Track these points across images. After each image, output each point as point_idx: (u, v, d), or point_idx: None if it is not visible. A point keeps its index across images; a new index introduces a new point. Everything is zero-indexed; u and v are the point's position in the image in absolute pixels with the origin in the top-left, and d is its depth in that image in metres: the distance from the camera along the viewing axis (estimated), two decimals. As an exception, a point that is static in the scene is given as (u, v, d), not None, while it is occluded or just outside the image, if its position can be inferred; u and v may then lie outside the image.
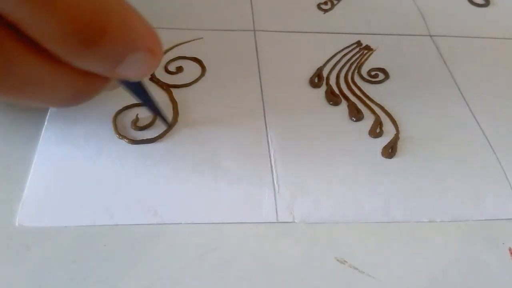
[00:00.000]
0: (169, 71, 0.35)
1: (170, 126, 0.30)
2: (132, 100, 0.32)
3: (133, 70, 0.19)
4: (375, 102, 0.35)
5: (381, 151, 0.31)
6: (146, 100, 0.26)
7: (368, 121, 0.33)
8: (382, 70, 0.37)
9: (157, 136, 0.30)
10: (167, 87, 0.33)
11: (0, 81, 0.17)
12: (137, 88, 0.24)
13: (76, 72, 0.18)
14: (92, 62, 0.17)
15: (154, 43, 0.19)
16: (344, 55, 0.39)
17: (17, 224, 0.25)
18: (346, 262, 0.26)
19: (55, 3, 0.15)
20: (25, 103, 0.19)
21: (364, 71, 0.37)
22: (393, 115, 0.34)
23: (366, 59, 0.39)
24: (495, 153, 0.32)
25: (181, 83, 0.34)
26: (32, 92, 0.18)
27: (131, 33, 0.17)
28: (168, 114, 0.31)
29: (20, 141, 0.29)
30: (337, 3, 0.44)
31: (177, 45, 0.37)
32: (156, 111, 0.28)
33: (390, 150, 0.31)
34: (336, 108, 0.34)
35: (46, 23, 0.15)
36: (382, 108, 0.34)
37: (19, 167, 0.28)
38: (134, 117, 0.31)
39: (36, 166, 0.28)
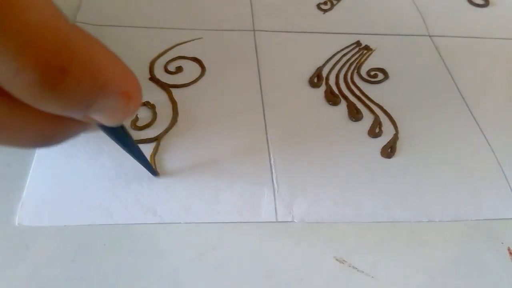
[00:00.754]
0: (169, 71, 0.35)
1: (157, 175, 0.28)
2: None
3: (106, 115, 0.17)
4: (375, 102, 0.35)
5: (380, 151, 0.31)
6: (126, 146, 0.24)
7: (367, 121, 0.33)
8: (382, 70, 0.37)
9: (156, 136, 0.30)
10: (166, 87, 0.33)
11: None
12: (116, 133, 0.21)
13: (42, 116, 0.16)
14: (55, 106, 0.15)
15: (129, 85, 0.17)
16: (344, 55, 0.39)
17: (16, 223, 0.25)
18: (345, 261, 0.26)
19: (9, 39, 0.13)
20: None
21: (363, 71, 0.37)
22: (392, 115, 0.34)
23: (365, 59, 0.39)
24: (494, 153, 0.32)
25: (181, 83, 0.34)
26: None
27: (98, 74, 0.15)
28: (168, 113, 0.31)
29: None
30: (336, 3, 0.44)
31: (176, 45, 0.37)
32: (141, 159, 0.26)
33: (389, 150, 0.31)
34: (335, 108, 0.34)
35: (0, 63, 0.13)
36: (381, 108, 0.34)
37: (18, 166, 0.28)
38: (133, 117, 0.31)
39: (36, 166, 0.28)
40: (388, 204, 0.29)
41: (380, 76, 0.37)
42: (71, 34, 0.15)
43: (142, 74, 0.34)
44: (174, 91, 0.33)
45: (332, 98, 0.34)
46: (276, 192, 0.28)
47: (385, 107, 0.34)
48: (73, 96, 0.15)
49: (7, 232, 0.25)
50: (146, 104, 0.32)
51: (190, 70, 0.35)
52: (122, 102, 0.16)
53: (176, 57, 0.36)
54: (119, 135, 0.22)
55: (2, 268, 0.24)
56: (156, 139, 0.30)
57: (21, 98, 0.15)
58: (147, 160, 0.27)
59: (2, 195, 0.26)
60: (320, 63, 0.37)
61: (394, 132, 0.33)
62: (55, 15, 0.14)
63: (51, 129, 0.17)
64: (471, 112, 0.35)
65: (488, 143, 0.33)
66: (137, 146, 0.24)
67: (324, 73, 0.37)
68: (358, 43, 0.40)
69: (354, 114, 0.33)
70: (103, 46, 0.16)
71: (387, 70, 0.37)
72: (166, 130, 0.30)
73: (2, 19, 0.13)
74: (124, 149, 0.23)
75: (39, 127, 0.17)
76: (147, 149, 0.29)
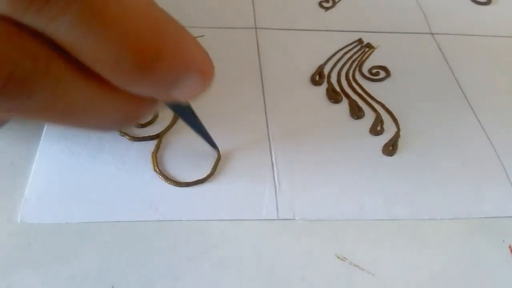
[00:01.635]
0: (171, 68, 0.35)
1: (219, 155, 0.29)
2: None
3: (185, 93, 0.18)
4: (376, 100, 0.35)
5: (381, 148, 0.31)
6: (193, 123, 0.25)
7: (369, 119, 0.33)
8: (383, 68, 0.37)
9: (158, 133, 0.30)
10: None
11: (47, 106, 0.16)
12: (186, 111, 0.23)
13: (126, 97, 0.17)
14: (145, 87, 0.16)
15: (206, 65, 0.18)
16: (345, 53, 0.39)
17: (19, 220, 0.25)
18: (347, 259, 0.26)
19: (108, 27, 0.14)
20: (70, 127, 0.18)
21: (365, 69, 0.37)
22: (394, 113, 0.34)
23: (367, 57, 0.39)
24: (495, 151, 0.32)
25: (183, 81, 0.34)
26: (80, 118, 0.17)
27: (185, 56, 0.16)
28: (169, 112, 0.31)
29: (22, 138, 0.29)
30: (338, 1, 0.44)
31: (178, 43, 0.37)
32: (205, 136, 0.27)
33: (391, 148, 0.31)
34: (337, 106, 0.34)
35: (98, 48, 0.14)
36: (383, 106, 0.34)
37: (21, 164, 0.28)
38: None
39: (38, 163, 0.28)
40: (389, 201, 0.29)
41: (382, 74, 0.37)
42: (163, 19, 0.16)
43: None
44: (176, 89, 0.33)
45: (333, 96, 0.34)
46: (277, 189, 0.28)
47: (387, 105, 0.34)
48: (164, 78, 0.16)
49: (9, 229, 0.25)
50: (148, 101, 0.32)
51: (192, 67, 0.35)
52: (201, 79, 0.18)
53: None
54: (187, 112, 0.23)
55: (4, 265, 0.24)
56: (158, 137, 0.30)
57: (113, 81, 0.16)
58: (210, 135, 0.28)
59: (5, 193, 0.26)
60: (321, 61, 0.37)
61: (396, 130, 0.33)
62: (149, 1, 0.15)
63: (132, 110, 0.18)
64: (473, 110, 0.35)
65: (490, 141, 0.33)
66: (201, 122, 0.25)
67: (326, 71, 0.37)
68: (360, 41, 0.40)
69: (356, 112, 0.33)
70: (183, 27, 0.17)
71: (389, 68, 0.37)
72: (168, 128, 0.31)
73: (103, 7, 0.13)
74: (189, 125, 0.25)
75: (122, 109, 0.18)
76: (148, 147, 0.29)
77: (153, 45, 0.15)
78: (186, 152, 0.30)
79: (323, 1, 0.44)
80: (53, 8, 0.13)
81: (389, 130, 0.33)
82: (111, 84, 0.16)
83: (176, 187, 0.28)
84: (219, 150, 0.29)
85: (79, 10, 0.13)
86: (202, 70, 0.18)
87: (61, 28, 0.13)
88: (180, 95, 0.18)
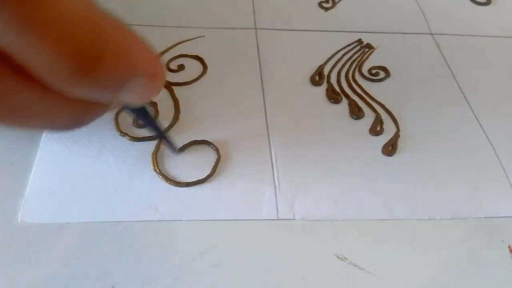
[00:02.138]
0: (171, 69, 0.35)
1: (178, 152, 0.29)
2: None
3: (133, 96, 0.17)
4: (376, 100, 0.35)
5: (381, 149, 0.31)
6: (149, 124, 0.25)
7: (368, 119, 0.33)
8: (383, 69, 0.37)
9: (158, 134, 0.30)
10: (168, 85, 0.33)
11: None
12: (139, 112, 0.23)
13: (72, 99, 0.17)
14: (87, 91, 0.16)
15: (154, 67, 0.17)
16: (345, 53, 0.39)
17: (19, 220, 0.25)
18: (346, 259, 0.26)
19: (42, 30, 0.13)
20: (20, 128, 0.18)
21: (365, 69, 0.37)
22: (393, 113, 0.34)
23: (367, 57, 0.39)
24: (495, 151, 0.32)
25: (183, 81, 0.34)
26: (26, 120, 0.17)
27: (129, 59, 0.16)
28: (170, 111, 0.32)
29: (22, 138, 0.29)
30: (338, 2, 0.44)
31: (178, 43, 0.37)
32: (162, 135, 0.27)
33: (390, 148, 0.31)
34: (336, 106, 0.34)
35: (33, 50, 0.14)
36: (382, 106, 0.34)
37: (21, 164, 0.28)
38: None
39: (39, 163, 0.28)
40: (389, 202, 0.29)
41: (382, 74, 0.37)
42: (103, 22, 0.15)
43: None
44: (176, 89, 0.33)
45: (333, 96, 0.35)
46: (277, 189, 0.28)
47: (386, 105, 0.34)
48: (106, 82, 0.16)
49: (10, 229, 0.25)
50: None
51: (192, 68, 0.35)
52: (149, 82, 0.17)
53: (178, 55, 0.36)
54: (141, 113, 0.23)
55: (4, 265, 0.24)
56: (158, 137, 0.30)
57: (55, 85, 0.15)
58: (168, 136, 0.27)
59: (5, 192, 0.26)
60: (321, 61, 0.37)
61: (396, 130, 0.33)
62: (87, 3, 0.15)
63: (81, 112, 0.18)
64: (472, 111, 0.35)
65: (490, 142, 0.33)
66: (157, 122, 0.25)
67: (326, 71, 0.37)
68: (359, 41, 0.40)
69: (356, 112, 0.34)
70: (129, 30, 0.16)
71: (389, 68, 0.37)
72: (168, 128, 0.31)
73: (38, 10, 0.13)
74: (145, 126, 0.25)
75: (70, 111, 0.18)
76: (148, 147, 0.29)
77: (92, 48, 0.14)
78: (186, 152, 0.30)
79: (323, 2, 0.44)
80: None
81: (389, 131, 0.33)
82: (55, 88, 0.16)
83: (176, 187, 0.28)
84: (219, 151, 0.30)
85: (12, 12, 0.13)
86: (150, 73, 0.17)
87: None
88: (129, 98, 0.17)
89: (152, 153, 0.29)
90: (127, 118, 0.31)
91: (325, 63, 0.37)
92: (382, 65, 0.38)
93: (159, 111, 0.31)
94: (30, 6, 0.13)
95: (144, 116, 0.24)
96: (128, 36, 0.16)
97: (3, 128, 0.28)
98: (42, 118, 0.17)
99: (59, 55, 0.14)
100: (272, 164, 0.30)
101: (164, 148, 0.30)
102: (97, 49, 0.15)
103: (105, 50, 0.15)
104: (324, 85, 0.36)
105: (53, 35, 0.14)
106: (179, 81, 0.34)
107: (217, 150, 0.30)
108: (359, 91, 0.35)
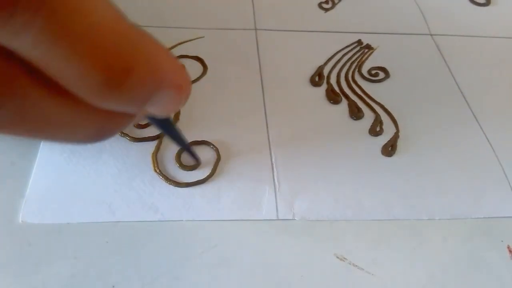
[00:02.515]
0: (171, 69, 0.35)
1: (199, 163, 0.29)
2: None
3: (160, 107, 0.18)
4: (376, 101, 0.35)
5: (381, 149, 0.32)
6: (172, 135, 0.25)
7: (368, 119, 0.33)
8: (383, 69, 0.38)
9: (158, 134, 0.30)
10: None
11: (15, 122, 0.15)
12: (164, 124, 0.23)
13: (98, 111, 0.17)
14: (115, 104, 0.16)
15: (181, 79, 0.18)
16: (345, 54, 0.39)
17: (20, 220, 0.25)
18: (346, 259, 0.26)
19: (76, 42, 0.13)
20: (44, 140, 0.18)
21: (364, 70, 0.37)
22: (393, 114, 0.34)
23: (366, 58, 0.39)
24: (494, 152, 0.32)
25: (183, 82, 0.34)
26: (53, 132, 0.17)
27: (158, 71, 0.16)
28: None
29: (23, 139, 0.29)
30: (338, 2, 0.44)
31: (178, 44, 0.37)
32: (185, 147, 0.27)
33: (390, 149, 0.32)
34: (336, 107, 0.34)
35: (64, 63, 0.14)
36: (382, 106, 0.34)
37: (22, 164, 0.28)
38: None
39: (39, 164, 0.28)
40: (388, 202, 0.29)
41: (381, 75, 0.37)
42: (132, 34, 0.15)
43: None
44: (176, 90, 0.33)
45: (333, 96, 0.35)
46: (277, 190, 0.29)
47: (386, 106, 0.35)
48: (134, 94, 0.16)
49: (10, 229, 0.25)
50: (148, 102, 0.32)
51: (192, 69, 0.35)
52: (176, 95, 0.17)
53: (178, 56, 0.36)
54: (165, 125, 0.23)
55: (5, 265, 0.24)
56: (158, 137, 0.30)
57: (83, 98, 0.15)
58: (190, 147, 0.28)
59: (6, 193, 0.26)
60: (321, 62, 0.38)
61: (395, 131, 0.33)
62: (117, 16, 0.15)
63: (106, 124, 0.18)
64: (471, 111, 0.35)
65: (489, 142, 0.33)
66: (181, 133, 0.25)
67: (326, 72, 0.37)
68: (359, 42, 0.40)
69: (355, 113, 0.34)
70: (157, 42, 0.17)
71: (388, 69, 0.38)
72: (168, 129, 0.31)
73: (69, 23, 0.13)
74: (168, 137, 0.25)
75: (96, 123, 0.18)
76: (149, 147, 0.29)
77: (121, 61, 0.15)
78: (186, 153, 0.30)
79: (323, 3, 0.44)
80: (17, 22, 0.12)
81: (388, 131, 0.33)
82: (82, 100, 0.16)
83: (176, 187, 0.28)
84: (219, 151, 0.30)
85: (43, 25, 0.13)
86: (177, 85, 0.17)
87: (25, 43, 0.13)
88: (155, 110, 0.18)
89: (152, 153, 0.29)
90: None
91: (325, 63, 0.38)
92: (382, 66, 0.38)
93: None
94: (62, 19, 0.13)
95: (168, 127, 0.24)
96: (156, 48, 0.16)
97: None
98: (68, 130, 0.17)
99: (90, 68, 0.14)
100: (272, 164, 0.30)
101: (164, 149, 0.30)
102: (127, 61, 0.15)
103: (135, 62, 0.15)
104: (324, 86, 0.36)
105: (85, 47, 0.14)
106: (179, 82, 0.34)
107: (217, 150, 0.30)
108: (358, 91, 0.36)
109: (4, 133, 0.16)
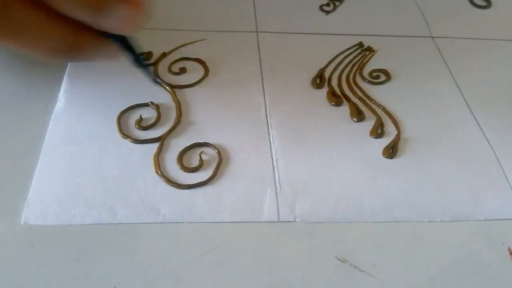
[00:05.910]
0: (173, 71, 0.35)
1: (155, 82, 0.33)
2: (136, 100, 0.32)
3: (116, 22, 0.20)
4: (377, 103, 0.35)
5: (382, 151, 0.32)
6: (131, 54, 0.26)
7: (369, 121, 0.34)
8: (384, 71, 0.38)
9: (160, 136, 0.30)
10: (170, 88, 0.34)
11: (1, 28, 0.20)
12: (122, 42, 0.25)
13: (65, 24, 0.20)
14: (73, 6, 0.19)
15: None
16: (346, 56, 0.39)
17: (22, 222, 0.25)
18: (347, 261, 0.26)
19: None
20: (21, 50, 0.21)
21: (365, 72, 0.38)
22: (394, 116, 0.34)
23: (367, 60, 0.39)
24: (495, 154, 0.32)
25: (185, 84, 0.34)
26: (27, 38, 0.20)
27: None
28: (172, 114, 0.32)
29: (25, 141, 0.29)
30: (339, 5, 0.44)
31: (180, 46, 0.37)
32: (142, 69, 0.28)
33: (391, 151, 0.32)
34: (337, 109, 0.34)
35: None
36: (383, 109, 0.35)
37: (24, 166, 0.28)
38: (138, 117, 0.31)
39: (41, 166, 0.28)
40: (389, 204, 0.29)
41: (383, 77, 0.37)
42: None
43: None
44: (178, 92, 0.33)
45: (334, 99, 0.35)
46: (278, 192, 0.29)
47: (387, 108, 0.35)
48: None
49: (13, 230, 0.25)
50: (150, 104, 0.32)
51: (194, 71, 0.35)
52: (130, 9, 0.20)
53: (180, 58, 0.36)
54: (123, 42, 0.25)
55: (7, 266, 0.24)
56: (160, 139, 0.30)
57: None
58: (148, 69, 0.29)
59: (8, 194, 0.27)
60: (322, 64, 0.38)
61: (396, 133, 0.33)
62: None
63: (73, 40, 0.21)
64: (472, 113, 0.35)
65: (490, 144, 0.33)
66: (138, 55, 0.27)
67: (327, 74, 0.37)
68: (360, 44, 0.40)
69: (356, 115, 0.34)
70: None
71: (390, 71, 0.38)
72: (170, 130, 0.31)
73: None
74: (130, 60, 0.27)
75: (64, 36, 0.21)
76: (150, 149, 0.30)
77: None
78: (186, 154, 0.30)
79: (324, 5, 0.44)
80: None
81: (390, 133, 0.33)
82: (53, 11, 0.20)
83: (178, 189, 0.28)
84: (221, 153, 0.30)
85: None
86: (132, 1, 0.20)
87: None
88: (111, 24, 0.20)
89: (154, 155, 0.29)
90: (129, 121, 0.31)
91: (326, 66, 0.38)
92: (383, 68, 0.38)
93: (161, 113, 0.32)
94: None
95: (126, 46, 0.25)
96: None
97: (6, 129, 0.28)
98: (40, 37, 0.21)
99: None
100: (273, 166, 0.30)
101: (165, 151, 0.30)
102: None
103: None
104: (325, 88, 0.36)
105: None
106: (181, 84, 0.34)
107: (218, 152, 0.30)
108: (360, 94, 0.36)
109: None
